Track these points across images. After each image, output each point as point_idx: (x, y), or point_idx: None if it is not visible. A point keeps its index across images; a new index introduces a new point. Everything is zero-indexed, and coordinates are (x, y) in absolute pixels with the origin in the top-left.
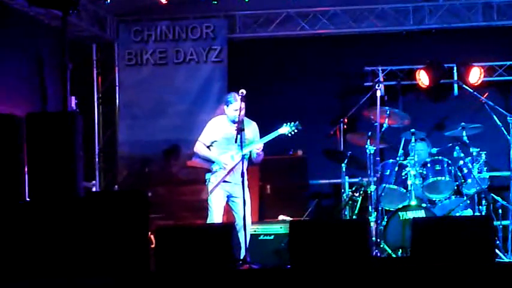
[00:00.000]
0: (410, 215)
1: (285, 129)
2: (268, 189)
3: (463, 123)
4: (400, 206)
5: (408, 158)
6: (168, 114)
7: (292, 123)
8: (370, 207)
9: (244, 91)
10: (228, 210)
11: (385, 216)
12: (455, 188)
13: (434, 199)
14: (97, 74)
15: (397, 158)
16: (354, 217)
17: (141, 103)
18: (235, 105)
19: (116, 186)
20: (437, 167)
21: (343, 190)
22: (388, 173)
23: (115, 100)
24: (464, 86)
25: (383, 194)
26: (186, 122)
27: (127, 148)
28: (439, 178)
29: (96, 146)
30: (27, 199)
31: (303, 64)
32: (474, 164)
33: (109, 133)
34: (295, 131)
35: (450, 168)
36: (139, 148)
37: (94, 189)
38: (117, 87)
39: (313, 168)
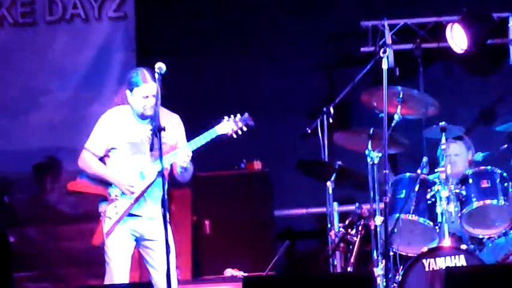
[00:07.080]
0: (441, 263)
1: (227, 125)
2: (207, 228)
3: None
4: (425, 249)
5: (436, 170)
6: (39, 106)
7: (238, 115)
8: (375, 252)
9: (163, 66)
10: (140, 262)
11: (401, 267)
12: None
13: (480, 236)
14: None
15: (418, 171)
16: (350, 269)
17: None
18: (145, 89)
19: None
20: (485, 184)
21: (329, 225)
22: (403, 195)
23: None
24: None
25: (396, 230)
26: (70, 118)
27: None
28: (488, 202)
29: None
30: None
31: (258, 19)
32: None
33: None
34: (244, 128)
35: (506, 184)
36: None
37: None
38: None
39: (281, 191)
